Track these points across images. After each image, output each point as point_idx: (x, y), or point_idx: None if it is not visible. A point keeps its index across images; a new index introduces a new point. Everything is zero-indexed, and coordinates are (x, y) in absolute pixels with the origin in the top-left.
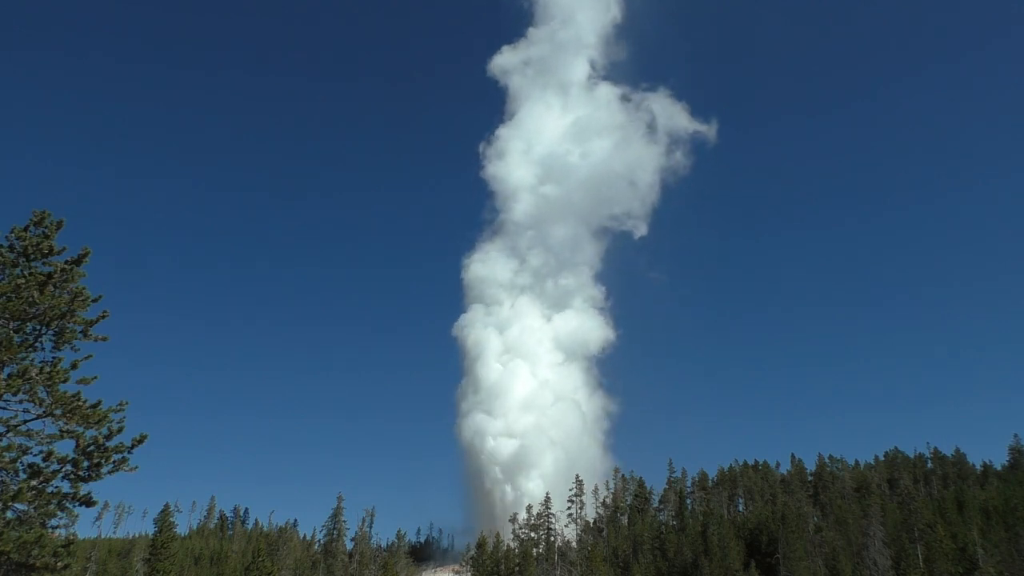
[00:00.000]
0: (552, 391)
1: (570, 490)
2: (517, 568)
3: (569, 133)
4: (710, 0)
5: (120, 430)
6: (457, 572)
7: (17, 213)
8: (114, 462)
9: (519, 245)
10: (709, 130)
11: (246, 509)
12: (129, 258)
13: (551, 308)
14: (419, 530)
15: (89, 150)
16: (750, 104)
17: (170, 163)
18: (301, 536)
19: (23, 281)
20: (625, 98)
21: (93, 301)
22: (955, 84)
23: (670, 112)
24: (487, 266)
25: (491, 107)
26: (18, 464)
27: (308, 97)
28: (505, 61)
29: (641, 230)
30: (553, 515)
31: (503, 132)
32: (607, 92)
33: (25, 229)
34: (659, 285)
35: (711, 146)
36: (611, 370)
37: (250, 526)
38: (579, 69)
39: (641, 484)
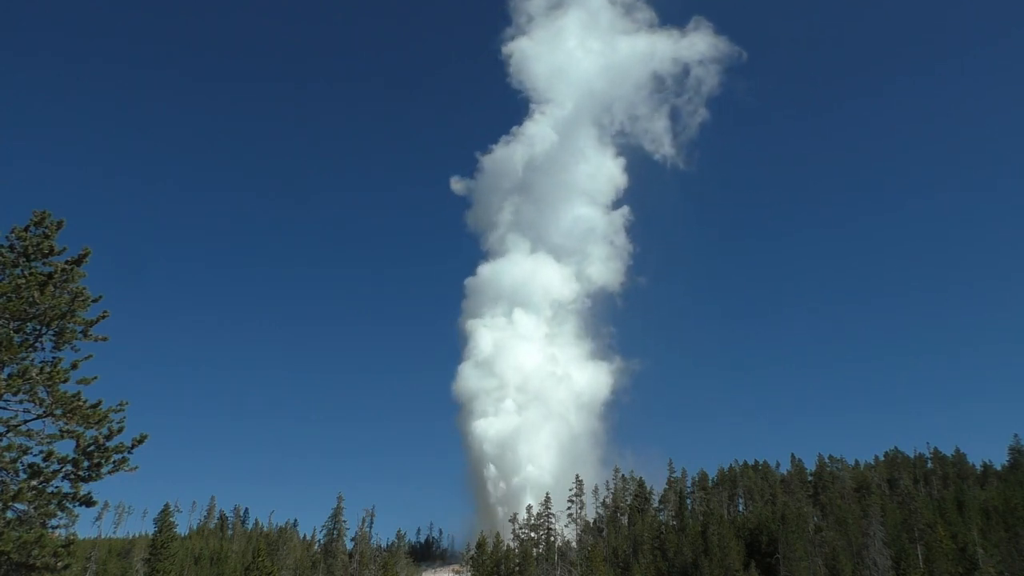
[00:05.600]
0: (553, 358)
1: (570, 490)
2: (517, 568)
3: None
4: None
5: (120, 430)
6: (457, 572)
7: (17, 213)
8: (114, 462)
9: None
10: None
11: (246, 509)
12: (129, 258)
13: (562, 256)
14: (419, 530)
15: (89, 150)
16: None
17: (170, 163)
18: (301, 536)
19: (23, 281)
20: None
21: (93, 301)
22: (958, 83)
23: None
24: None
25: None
26: (18, 464)
27: (306, 95)
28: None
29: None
30: (553, 515)
31: (520, 45)
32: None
33: (25, 229)
34: (652, 286)
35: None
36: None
37: (250, 526)
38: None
39: (641, 484)
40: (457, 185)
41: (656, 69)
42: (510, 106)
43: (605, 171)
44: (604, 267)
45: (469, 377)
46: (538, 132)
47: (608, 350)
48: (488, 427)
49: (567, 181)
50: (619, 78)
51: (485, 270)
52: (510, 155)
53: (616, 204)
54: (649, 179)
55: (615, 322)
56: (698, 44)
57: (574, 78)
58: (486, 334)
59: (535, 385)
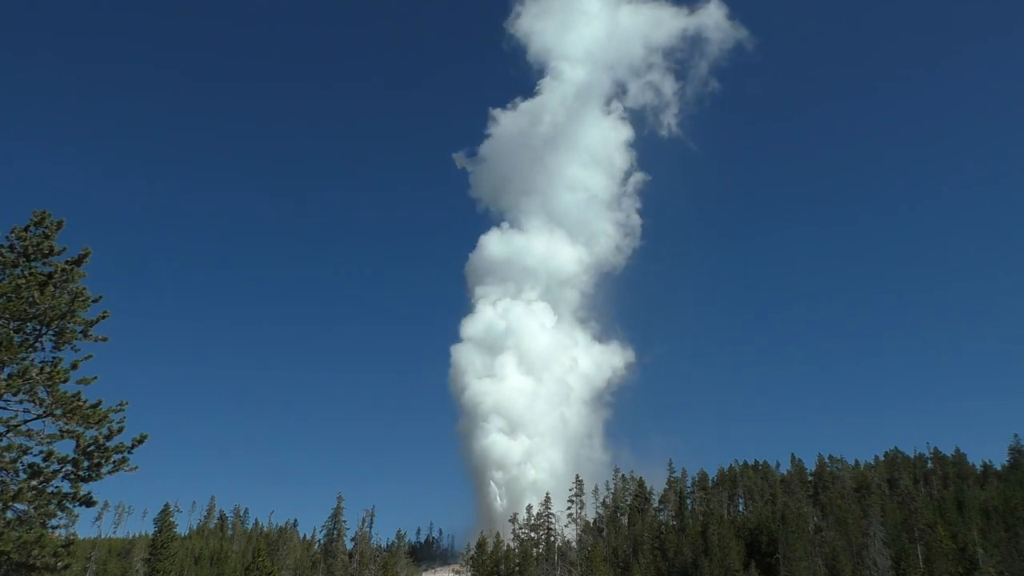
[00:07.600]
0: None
1: (570, 490)
2: (517, 568)
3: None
4: None
5: (120, 430)
6: (457, 572)
7: (17, 213)
8: (114, 462)
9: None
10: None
11: (246, 509)
12: (129, 258)
13: (573, 234)
14: (419, 530)
15: (89, 150)
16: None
17: (170, 164)
18: (301, 536)
19: (23, 281)
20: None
21: (93, 301)
22: (961, 80)
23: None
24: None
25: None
26: (18, 464)
27: (306, 93)
28: None
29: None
30: (553, 515)
31: (525, 18)
32: None
33: (25, 229)
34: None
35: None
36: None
37: (250, 526)
38: None
39: (641, 484)
40: (460, 162)
41: (664, 42)
42: (514, 82)
43: (609, 145)
44: (606, 245)
45: (467, 363)
46: (542, 106)
47: (608, 334)
48: (488, 393)
49: (571, 156)
50: (626, 50)
51: (488, 248)
52: (514, 132)
53: (623, 180)
54: (654, 155)
55: (616, 305)
56: (708, 20)
57: (580, 51)
58: (485, 314)
59: (538, 364)
